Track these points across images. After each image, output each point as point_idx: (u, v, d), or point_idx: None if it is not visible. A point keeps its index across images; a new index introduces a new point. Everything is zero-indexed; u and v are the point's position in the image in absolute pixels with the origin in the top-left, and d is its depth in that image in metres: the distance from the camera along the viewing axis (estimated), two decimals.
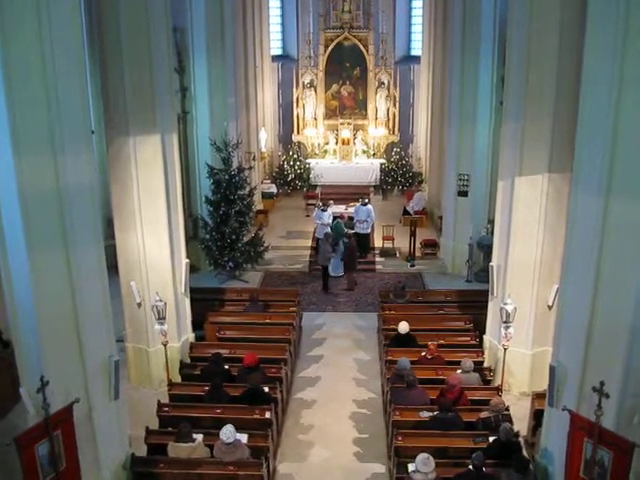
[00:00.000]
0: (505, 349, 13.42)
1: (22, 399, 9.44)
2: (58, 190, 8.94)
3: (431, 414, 11.77)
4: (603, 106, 8.55)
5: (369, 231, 23.36)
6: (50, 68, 8.57)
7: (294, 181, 30.28)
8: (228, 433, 10.46)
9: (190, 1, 19.43)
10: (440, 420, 11.43)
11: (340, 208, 24.27)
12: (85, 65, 9.95)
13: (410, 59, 32.17)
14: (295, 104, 31.02)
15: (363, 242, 22.76)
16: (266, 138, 29.69)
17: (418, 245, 22.40)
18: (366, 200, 24.00)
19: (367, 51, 30.36)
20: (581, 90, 9.25)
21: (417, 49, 31.37)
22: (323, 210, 23.09)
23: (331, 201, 25.19)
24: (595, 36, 8.81)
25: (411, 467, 10.26)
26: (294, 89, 30.88)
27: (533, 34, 12.54)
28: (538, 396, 12.19)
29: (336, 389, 14.79)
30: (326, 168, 30.47)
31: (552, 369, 9.92)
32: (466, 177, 20.23)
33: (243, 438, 11.15)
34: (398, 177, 30.30)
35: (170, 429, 11.75)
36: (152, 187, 13.40)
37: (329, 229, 22.03)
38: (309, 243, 23.85)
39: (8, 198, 8.70)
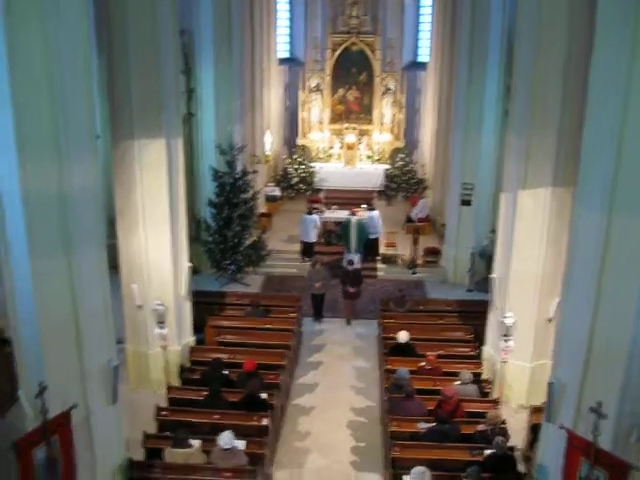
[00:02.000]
0: (504, 362, 13.41)
1: (20, 400, 9.46)
2: (62, 195, 8.95)
3: (428, 425, 11.77)
4: (608, 123, 8.54)
5: (377, 236, 23.13)
6: (57, 73, 8.59)
7: (298, 185, 30.25)
8: (226, 439, 10.47)
9: (197, 3, 19.47)
10: (437, 432, 11.43)
11: (344, 213, 24.08)
12: (92, 70, 9.93)
13: (417, 65, 32.15)
14: (301, 107, 31.09)
15: (371, 246, 22.83)
16: (271, 141, 29.64)
17: (420, 253, 22.37)
18: (373, 206, 24.09)
19: (374, 56, 30.39)
20: (587, 105, 9.24)
21: (424, 56, 31.37)
22: (308, 214, 23.05)
23: (335, 206, 25.20)
24: (603, 51, 8.79)
25: (406, 479, 10.28)
26: (300, 92, 30.95)
27: (540, 46, 12.57)
28: (536, 410, 12.18)
29: (334, 396, 14.78)
30: (330, 172, 30.45)
31: (550, 385, 9.92)
32: (470, 186, 20.19)
33: (241, 445, 11.17)
34: (402, 183, 30.25)
35: (168, 433, 11.76)
36: (156, 191, 13.43)
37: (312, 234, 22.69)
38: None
39: (12, 202, 8.72)
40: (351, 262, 19.24)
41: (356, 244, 21.60)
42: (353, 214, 22.38)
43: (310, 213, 23.14)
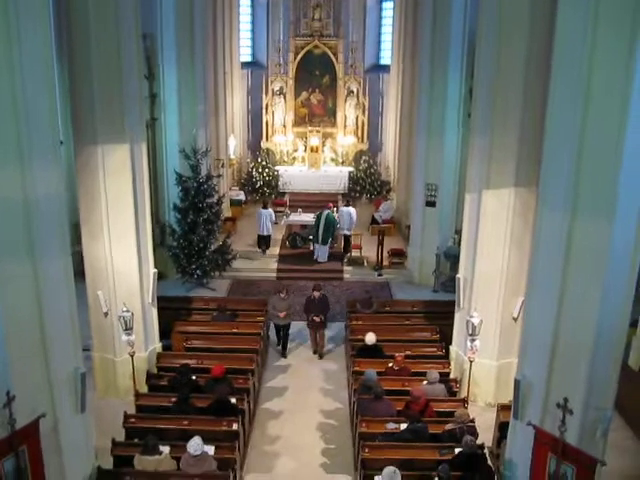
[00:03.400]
0: (471, 361, 13.54)
1: None
2: (25, 202, 8.83)
3: (397, 426, 11.84)
4: (569, 124, 8.68)
5: (350, 233, 23.64)
6: (18, 79, 8.47)
7: (262, 188, 30.25)
8: (196, 446, 10.42)
9: (160, 7, 19.35)
10: (411, 431, 11.49)
11: (309, 216, 24.22)
12: (54, 74, 9.80)
13: (379, 68, 32.40)
14: (264, 111, 31.08)
15: (345, 243, 23.58)
16: (235, 145, 29.64)
17: (386, 254, 22.48)
18: (349, 203, 24.78)
19: (337, 59, 30.57)
20: (548, 106, 9.38)
21: (386, 58, 31.61)
22: (264, 207, 24.05)
23: (300, 209, 25.27)
24: (563, 53, 8.92)
25: (377, 479, 10.35)
26: (263, 96, 30.95)
27: (501, 48, 12.76)
28: (503, 408, 12.34)
29: (303, 399, 14.80)
30: (295, 175, 30.59)
31: (517, 383, 10.05)
32: (434, 187, 20.37)
33: (210, 450, 11.13)
34: (366, 185, 30.46)
35: (136, 440, 11.69)
36: (120, 196, 13.32)
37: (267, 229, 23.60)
38: (277, 251, 23.89)
39: None
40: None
41: (322, 236, 22.47)
42: (327, 208, 23.28)
43: (265, 207, 23.98)
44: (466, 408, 12.69)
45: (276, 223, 24.97)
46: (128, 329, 13.26)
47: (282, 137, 31.34)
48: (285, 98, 31.13)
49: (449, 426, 11.69)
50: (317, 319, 16.60)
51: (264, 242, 23.83)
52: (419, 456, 11.26)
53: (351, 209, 23.93)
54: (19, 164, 8.69)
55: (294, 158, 31.43)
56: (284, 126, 31.40)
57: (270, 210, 24.05)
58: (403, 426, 11.83)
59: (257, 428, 13.74)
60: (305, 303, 17.06)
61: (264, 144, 31.39)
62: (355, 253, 23.11)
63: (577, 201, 8.72)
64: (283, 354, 16.99)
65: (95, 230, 13.45)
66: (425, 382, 13.13)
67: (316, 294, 16.78)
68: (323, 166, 30.86)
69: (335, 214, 23.48)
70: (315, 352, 17.05)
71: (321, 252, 22.84)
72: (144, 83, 16.75)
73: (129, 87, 13.13)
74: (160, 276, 15.80)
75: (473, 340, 13.27)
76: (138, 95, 13.68)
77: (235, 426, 12.05)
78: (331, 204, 24.33)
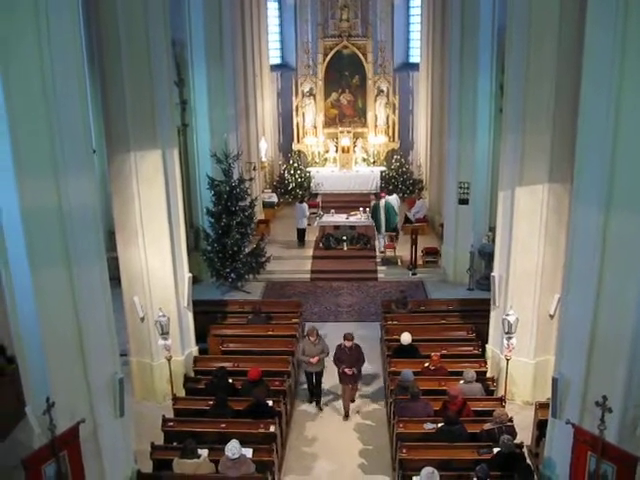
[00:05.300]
0: (508, 360, 13.44)
1: (27, 417, 9.47)
2: (60, 210, 8.99)
3: (435, 426, 11.79)
4: (602, 119, 8.58)
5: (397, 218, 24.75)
6: (51, 90, 8.61)
7: (295, 190, 30.27)
8: (234, 449, 10.45)
9: (189, 13, 19.51)
10: (446, 432, 11.44)
11: (341, 217, 24.32)
12: (86, 84, 9.94)
13: (409, 66, 32.28)
14: (295, 113, 31.11)
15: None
16: (266, 147, 29.70)
17: (419, 253, 22.39)
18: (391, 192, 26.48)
19: (366, 59, 30.45)
20: (580, 101, 9.29)
21: (415, 56, 31.44)
22: (300, 202, 25.59)
23: (332, 210, 25.29)
24: (594, 47, 8.85)
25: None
26: (293, 98, 30.97)
27: (532, 43, 12.58)
28: (541, 406, 12.21)
29: (339, 400, 14.74)
30: (326, 176, 30.58)
31: (554, 381, 9.94)
32: (466, 185, 20.25)
33: (248, 453, 11.17)
34: (399, 184, 30.34)
35: (175, 444, 11.80)
36: (154, 202, 13.45)
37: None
38: (311, 252, 23.94)
39: (11, 218, 8.73)
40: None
41: (385, 225, 23.15)
42: (381, 198, 23.97)
43: (302, 202, 25.29)
44: (503, 407, 12.58)
45: (309, 225, 25.21)
46: (164, 333, 13.38)
47: (313, 138, 31.35)
48: (315, 99, 31.11)
49: (487, 426, 11.59)
50: (349, 372, 14.01)
51: (300, 235, 24.79)
52: (457, 456, 11.21)
53: (395, 196, 25.46)
54: (53, 174, 8.85)
55: (325, 159, 31.42)
56: (315, 127, 31.39)
57: (304, 204, 25.31)
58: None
59: (294, 430, 13.77)
60: (335, 352, 14.39)
61: (295, 146, 31.42)
62: (389, 252, 23.03)
63: (612, 196, 8.61)
64: (316, 402, 14.87)
65: (130, 236, 13.59)
66: (462, 381, 13.04)
67: (347, 343, 14.15)
68: (355, 166, 30.82)
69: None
70: (347, 415, 14.32)
71: (382, 241, 23.56)
72: (174, 90, 16.90)
73: (160, 94, 13.25)
74: (195, 280, 15.93)
75: (509, 338, 13.19)
76: (169, 101, 13.80)
77: (272, 428, 12.08)
78: (383, 193, 25.03)
